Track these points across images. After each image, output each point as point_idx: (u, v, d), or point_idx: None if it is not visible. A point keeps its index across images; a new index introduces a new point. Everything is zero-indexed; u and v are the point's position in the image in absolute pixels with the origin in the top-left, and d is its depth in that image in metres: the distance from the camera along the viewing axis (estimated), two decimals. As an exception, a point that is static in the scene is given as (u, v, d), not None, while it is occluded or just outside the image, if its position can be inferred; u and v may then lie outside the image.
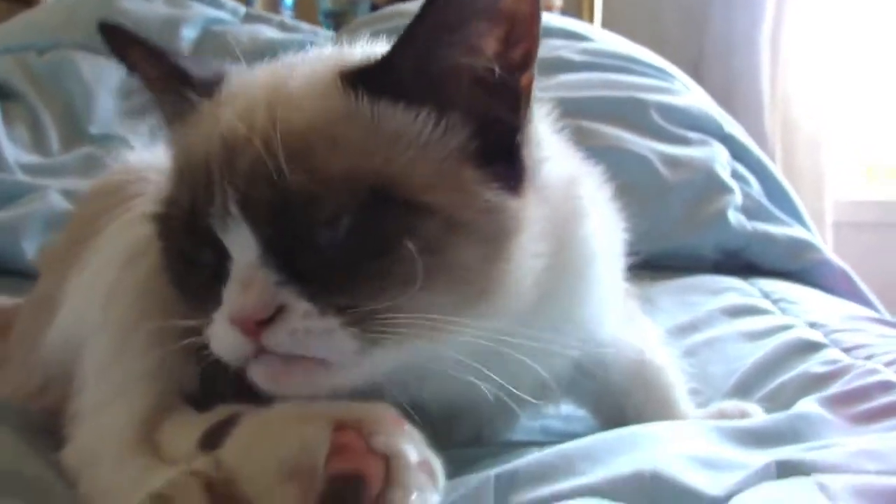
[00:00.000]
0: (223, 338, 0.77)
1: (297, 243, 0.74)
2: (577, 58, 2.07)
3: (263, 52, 2.05)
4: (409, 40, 0.78)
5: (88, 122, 2.10)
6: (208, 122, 0.80)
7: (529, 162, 0.82)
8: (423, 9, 0.76)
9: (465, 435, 0.94)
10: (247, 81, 0.84)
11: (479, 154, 0.79)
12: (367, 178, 0.75)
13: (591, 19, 3.12)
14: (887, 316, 1.63)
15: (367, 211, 0.74)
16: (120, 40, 0.86)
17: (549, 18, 2.40)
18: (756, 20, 3.47)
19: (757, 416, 1.06)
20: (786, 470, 0.78)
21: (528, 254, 0.80)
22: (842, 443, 0.87)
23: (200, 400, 0.88)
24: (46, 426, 0.95)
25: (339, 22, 3.14)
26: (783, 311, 1.56)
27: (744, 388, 1.21)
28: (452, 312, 0.77)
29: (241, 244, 0.75)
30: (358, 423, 0.73)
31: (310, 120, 0.76)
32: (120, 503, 0.78)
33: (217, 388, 0.87)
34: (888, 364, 1.17)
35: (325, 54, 0.89)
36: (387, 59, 0.79)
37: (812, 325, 1.42)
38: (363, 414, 0.74)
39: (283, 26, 2.41)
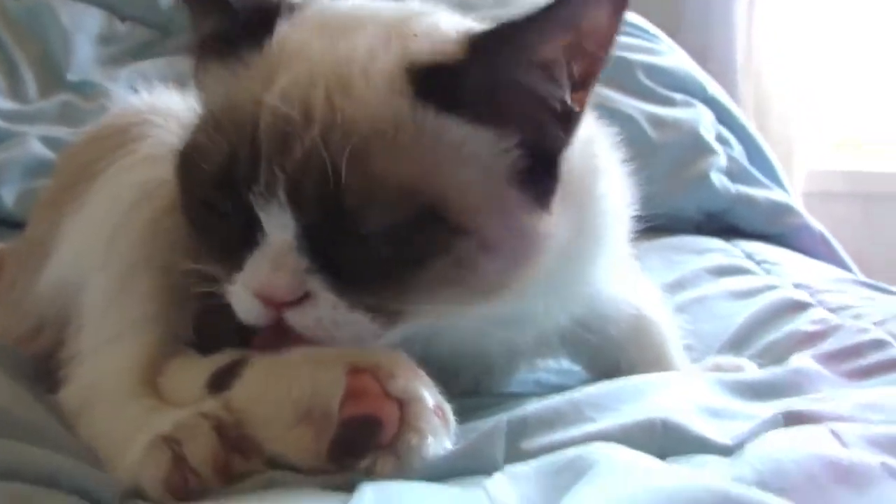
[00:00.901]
0: (243, 301, 0.76)
1: (335, 237, 0.73)
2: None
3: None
4: (485, 56, 0.75)
5: (66, 68, 2.04)
6: (256, 82, 0.77)
7: (563, 172, 0.81)
8: (506, 28, 0.75)
9: (465, 385, 0.94)
10: (302, 41, 0.79)
11: (524, 175, 0.77)
12: (423, 195, 0.73)
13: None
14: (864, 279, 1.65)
15: (412, 223, 0.73)
16: None
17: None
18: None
19: (751, 370, 1.06)
20: (793, 420, 0.79)
21: (550, 250, 0.80)
22: (843, 396, 0.88)
23: (197, 345, 0.88)
24: (39, 369, 0.94)
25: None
26: (767, 271, 1.57)
27: (735, 345, 1.23)
28: (470, 306, 0.80)
29: (279, 224, 0.73)
30: (374, 367, 0.73)
31: (373, 121, 0.73)
32: (122, 444, 0.77)
33: (216, 333, 0.86)
34: (877, 324, 1.19)
35: (390, 19, 0.82)
36: (458, 70, 0.75)
37: (797, 286, 1.44)
38: (378, 359, 0.74)
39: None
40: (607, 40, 0.75)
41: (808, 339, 1.18)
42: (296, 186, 0.72)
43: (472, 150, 0.76)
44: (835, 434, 0.73)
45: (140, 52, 2.13)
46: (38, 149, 1.77)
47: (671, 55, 2.16)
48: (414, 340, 0.81)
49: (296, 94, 0.74)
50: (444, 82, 0.75)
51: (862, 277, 1.67)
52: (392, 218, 0.73)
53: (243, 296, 0.76)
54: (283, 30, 0.80)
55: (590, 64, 0.76)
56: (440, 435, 0.73)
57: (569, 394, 0.85)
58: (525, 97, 0.77)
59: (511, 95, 0.76)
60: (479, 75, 0.75)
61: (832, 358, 1.05)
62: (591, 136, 0.89)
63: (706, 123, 1.98)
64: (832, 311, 1.30)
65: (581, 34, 0.74)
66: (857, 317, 1.26)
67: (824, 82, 3.58)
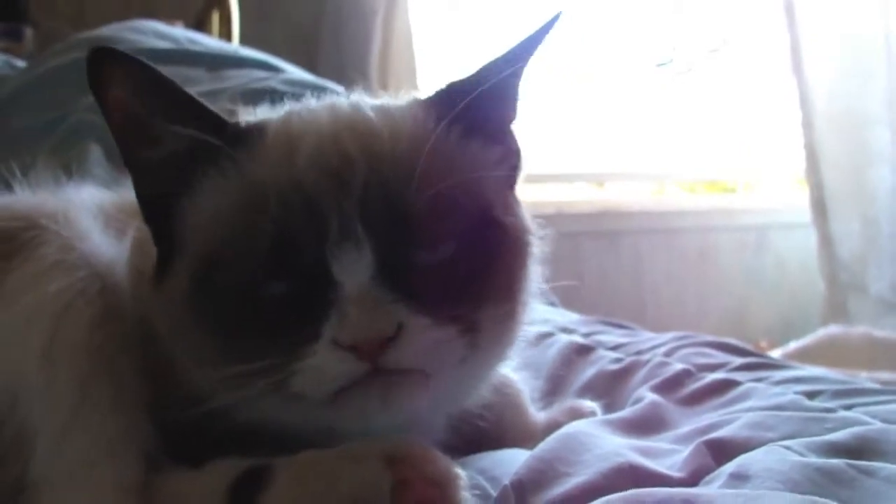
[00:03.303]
0: (329, 365, 0.75)
1: (407, 260, 0.77)
2: (284, 88, 2.10)
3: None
4: (475, 91, 0.85)
5: None
6: (277, 163, 0.80)
7: None
8: (491, 70, 0.86)
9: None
10: (302, 125, 0.83)
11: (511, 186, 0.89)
12: (476, 199, 0.82)
13: (228, 36, 3.09)
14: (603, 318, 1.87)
15: (473, 230, 0.80)
16: (118, 67, 0.80)
17: (239, 50, 2.41)
18: (366, 42, 3.66)
19: (598, 411, 1.20)
20: (715, 448, 0.93)
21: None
22: (722, 423, 1.04)
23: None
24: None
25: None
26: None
27: (554, 390, 1.36)
28: (515, 327, 0.88)
29: (354, 267, 0.75)
30: (407, 456, 0.76)
31: (414, 143, 0.80)
32: None
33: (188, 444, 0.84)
34: (666, 355, 1.39)
35: (364, 99, 0.91)
36: (467, 95, 0.84)
37: (565, 331, 1.61)
38: (408, 447, 0.78)
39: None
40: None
41: (617, 377, 1.35)
42: (368, 218, 0.76)
43: (485, 161, 0.86)
44: (787, 448, 0.87)
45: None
46: None
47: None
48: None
49: (329, 149, 0.79)
50: (453, 106, 0.84)
51: (594, 317, 1.88)
52: (458, 225, 0.80)
53: (331, 359, 0.75)
54: (275, 125, 0.84)
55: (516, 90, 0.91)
56: None
57: (520, 453, 0.94)
58: (508, 121, 0.91)
59: (500, 119, 0.90)
60: (475, 101, 0.85)
61: (661, 390, 1.22)
62: None
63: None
64: (613, 349, 1.49)
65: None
66: (639, 353, 1.45)
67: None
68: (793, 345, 3.08)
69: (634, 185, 4.41)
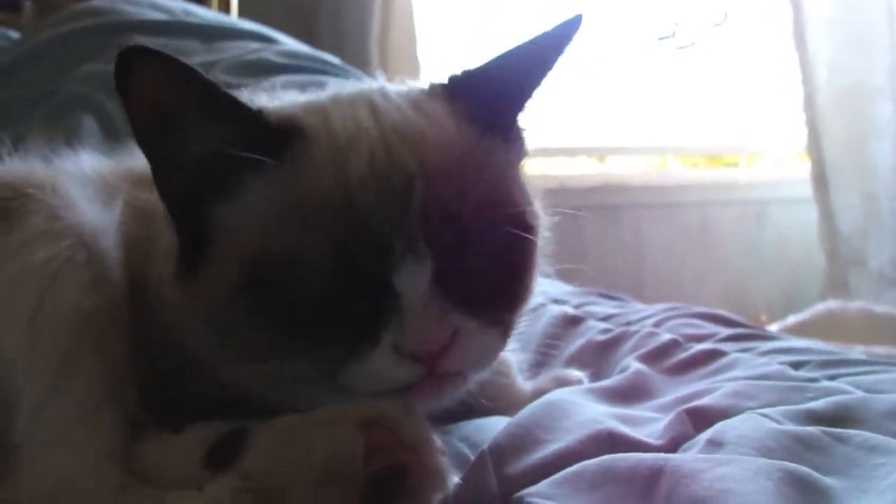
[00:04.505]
0: (387, 370, 0.77)
1: (459, 270, 0.78)
2: (279, 60, 2.10)
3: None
4: (501, 84, 0.87)
5: None
6: (326, 169, 0.79)
7: None
8: (509, 63, 0.88)
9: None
10: (345, 127, 0.82)
11: None
12: (509, 202, 0.83)
13: (227, 8, 3.09)
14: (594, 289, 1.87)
15: (508, 234, 0.82)
16: (147, 64, 0.77)
17: (235, 21, 2.40)
18: (366, 17, 3.65)
19: (585, 380, 1.20)
20: (695, 415, 0.94)
21: None
22: (703, 392, 1.04)
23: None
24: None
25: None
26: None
27: (542, 359, 1.36)
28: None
29: (414, 277, 0.76)
30: (381, 420, 0.77)
31: (458, 153, 0.82)
32: None
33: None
34: (655, 326, 1.40)
35: (384, 91, 0.90)
36: (490, 96, 0.86)
37: (557, 301, 1.61)
38: (382, 412, 0.78)
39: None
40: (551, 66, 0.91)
41: (605, 347, 1.36)
42: (428, 236, 0.77)
43: (512, 162, 0.89)
44: (764, 416, 0.88)
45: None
46: None
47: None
48: None
49: (383, 161, 0.79)
50: (481, 111, 0.86)
51: (583, 289, 1.89)
52: (498, 233, 0.81)
53: (389, 363, 0.77)
54: (314, 124, 0.83)
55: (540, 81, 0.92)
56: (450, 472, 0.78)
57: (502, 420, 0.94)
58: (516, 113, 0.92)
59: (512, 116, 0.91)
60: (494, 94, 0.87)
61: (648, 360, 1.23)
62: None
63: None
64: (603, 320, 1.50)
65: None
66: (628, 323, 1.46)
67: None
68: (791, 319, 3.08)
69: (636, 159, 4.40)
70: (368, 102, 0.86)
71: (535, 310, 1.52)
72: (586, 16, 0.89)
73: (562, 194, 3.98)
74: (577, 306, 1.59)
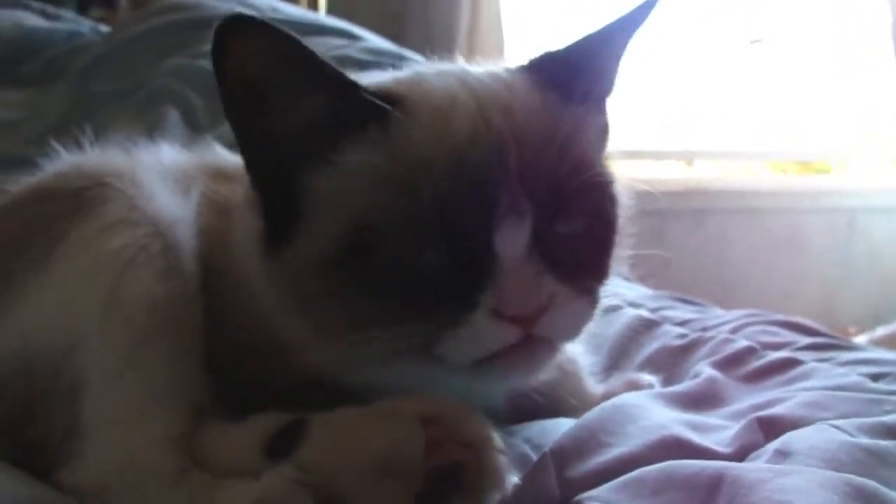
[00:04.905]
0: (486, 333, 0.77)
1: (553, 235, 0.79)
2: (362, 56, 2.12)
3: (31, 41, 1.91)
4: (584, 63, 0.88)
5: None
6: (430, 134, 0.80)
7: None
8: (591, 44, 0.89)
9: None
10: (444, 97, 0.83)
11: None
12: (603, 173, 0.84)
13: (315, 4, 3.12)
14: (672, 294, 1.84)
15: (599, 202, 0.84)
16: (250, 33, 0.78)
17: (321, 18, 2.43)
18: (455, 14, 3.65)
19: (657, 385, 1.18)
20: (766, 425, 0.91)
21: None
22: (776, 400, 1.02)
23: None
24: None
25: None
26: (595, 292, 1.71)
27: (615, 363, 1.34)
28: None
29: (514, 240, 0.77)
30: (441, 416, 0.76)
31: (544, 119, 0.83)
32: None
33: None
34: (732, 332, 1.36)
35: (467, 69, 0.92)
36: (571, 65, 0.88)
37: (633, 305, 1.59)
38: (442, 408, 0.78)
39: (45, 14, 2.23)
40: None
41: (680, 352, 1.33)
42: (530, 195, 0.78)
43: (599, 134, 0.91)
44: (837, 427, 0.85)
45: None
46: None
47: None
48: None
49: (481, 124, 0.80)
50: (563, 82, 0.87)
51: (665, 293, 1.86)
52: (590, 200, 0.83)
53: (488, 327, 0.77)
54: (413, 94, 0.83)
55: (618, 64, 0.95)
56: (509, 472, 0.78)
57: (569, 422, 0.93)
58: (606, 89, 0.94)
59: (604, 90, 0.93)
60: (584, 71, 0.88)
61: (723, 366, 1.20)
62: None
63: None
64: (680, 324, 1.47)
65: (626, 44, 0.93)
66: (705, 329, 1.43)
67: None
68: (879, 331, 2.99)
69: (723, 163, 4.32)
70: (455, 75, 0.88)
71: (610, 312, 1.52)
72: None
73: (647, 197, 3.91)
74: (653, 310, 1.56)
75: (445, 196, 0.77)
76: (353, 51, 2.14)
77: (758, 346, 1.26)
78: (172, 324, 0.85)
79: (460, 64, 0.94)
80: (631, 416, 0.93)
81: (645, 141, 4.00)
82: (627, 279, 1.96)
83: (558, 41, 0.90)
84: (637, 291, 1.77)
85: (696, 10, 4.01)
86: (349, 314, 0.80)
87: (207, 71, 0.83)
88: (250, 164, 0.84)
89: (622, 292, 1.70)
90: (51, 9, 2.29)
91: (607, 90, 0.94)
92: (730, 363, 1.21)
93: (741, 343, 1.27)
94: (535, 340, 0.78)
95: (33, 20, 2.16)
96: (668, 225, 3.87)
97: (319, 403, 0.81)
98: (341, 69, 0.81)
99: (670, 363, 1.29)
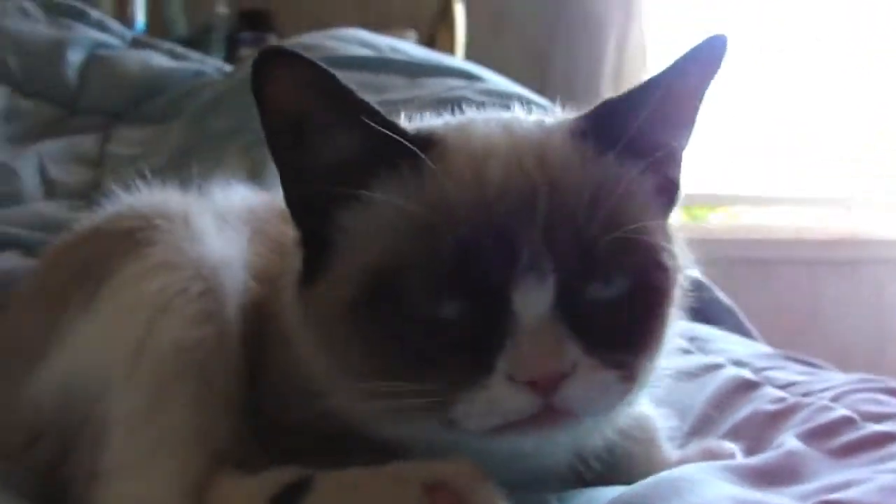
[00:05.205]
0: (503, 400, 0.74)
1: (582, 297, 0.75)
2: (477, 98, 2.10)
3: (157, 80, 1.98)
4: (630, 113, 0.83)
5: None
6: (460, 180, 0.78)
7: None
8: (642, 91, 0.84)
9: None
10: (483, 143, 0.82)
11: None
12: (648, 240, 0.79)
13: (451, 51, 3.15)
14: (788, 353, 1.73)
15: (641, 271, 0.78)
16: (287, 65, 0.78)
17: (442, 58, 2.44)
18: (597, 66, 3.63)
19: (738, 454, 1.10)
20: (830, 508, 0.83)
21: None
22: (855, 482, 0.92)
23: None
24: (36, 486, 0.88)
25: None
26: (701, 349, 1.63)
27: (703, 428, 1.26)
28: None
29: (536, 298, 0.74)
30: (449, 484, 0.73)
31: (587, 176, 0.79)
32: None
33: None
34: (833, 400, 1.25)
35: (519, 117, 0.92)
36: (616, 124, 0.83)
37: (737, 364, 1.50)
38: (450, 473, 0.75)
39: (172, 54, 2.33)
40: (701, 100, 0.88)
41: (772, 419, 1.24)
42: (553, 250, 0.74)
43: (647, 195, 0.84)
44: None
45: (45, 130, 2.05)
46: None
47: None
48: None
49: (515, 173, 0.78)
50: (607, 136, 0.82)
51: (783, 352, 1.75)
52: (629, 267, 0.77)
53: (505, 393, 0.74)
54: (453, 137, 0.83)
55: (691, 121, 0.88)
56: None
57: (608, 491, 0.87)
58: (662, 147, 0.86)
59: (654, 146, 0.85)
60: (628, 126, 0.82)
61: (811, 438, 1.10)
62: None
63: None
64: (781, 388, 1.37)
65: (685, 95, 0.86)
66: (807, 394, 1.32)
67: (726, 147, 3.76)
68: None
69: (882, 211, 4.09)
70: (501, 122, 0.87)
71: (707, 371, 1.44)
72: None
73: (796, 246, 3.79)
74: (757, 370, 1.46)
75: (467, 244, 0.75)
76: (469, 92, 2.12)
77: (857, 417, 1.16)
78: (198, 369, 0.85)
79: (516, 112, 0.93)
80: (681, 490, 0.86)
81: (792, 187, 3.84)
82: (748, 334, 1.86)
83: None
84: (749, 349, 1.67)
85: (848, 47, 3.86)
86: (364, 362, 0.79)
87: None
88: (289, 199, 0.84)
89: (730, 349, 1.62)
90: (179, 49, 2.38)
91: (669, 143, 0.87)
92: (819, 434, 1.11)
93: (838, 412, 1.17)
94: (555, 413, 0.74)
95: (161, 61, 2.24)
96: (819, 275, 3.69)
97: (358, 453, 0.79)
98: (379, 108, 0.80)
99: (758, 431, 1.20)
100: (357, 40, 2.29)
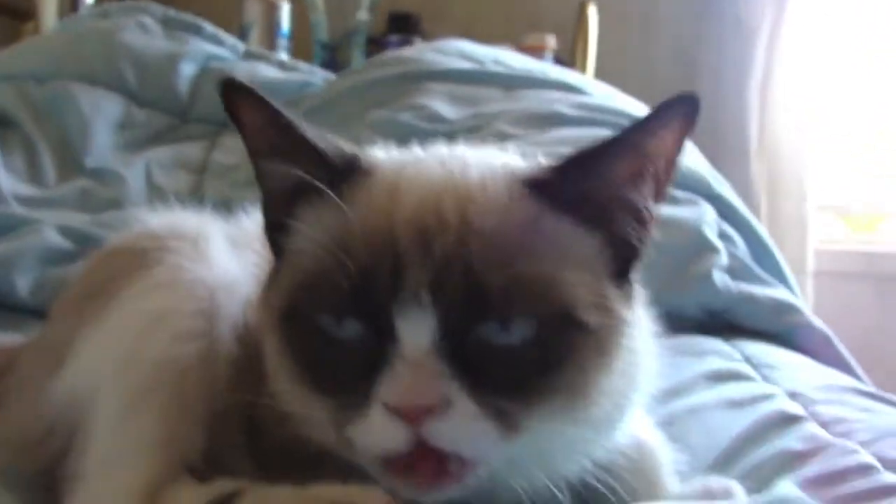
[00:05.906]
0: (379, 428, 0.76)
1: (470, 339, 0.77)
2: (572, 112, 2.10)
3: (264, 90, 2.07)
4: (582, 169, 0.84)
5: (84, 154, 2.11)
6: (378, 207, 0.82)
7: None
8: (600, 148, 0.83)
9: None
10: (412, 174, 0.86)
11: (615, 275, 0.85)
12: (558, 292, 0.78)
13: (584, 65, 3.15)
14: (866, 381, 1.65)
15: (546, 325, 0.78)
16: (242, 101, 0.85)
17: (548, 70, 2.44)
18: (747, 68, 3.53)
19: (739, 495, 1.07)
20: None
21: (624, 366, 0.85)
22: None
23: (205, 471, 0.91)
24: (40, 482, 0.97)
25: (333, 55, 3.20)
26: (764, 377, 1.58)
27: (725, 462, 1.23)
28: (572, 425, 0.83)
29: (417, 329, 0.76)
30: None
31: (503, 221, 0.80)
32: None
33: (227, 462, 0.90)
34: (864, 444, 1.20)
35: (479, 155, 0.92)
36: (560, 178, 0.84)
37: (792, 395, 1.44)
38: (357, 497, 0.78)
39: (282, 65, 2.44)
40: (673, 160, 0.84)
41: (796, 459, 1.19)
42: (439, 284, 0.76)
43: (583, 249, 0.83)
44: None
45: (156, 138, 2.19)
46: (54, 237, 1.82)
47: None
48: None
49: (428, 207, 0.80)
50: (550, 189, 0.82)
51: (863, 379, 1.67)
52: (529, 318, 0.77)
53: (379, 420, 0.76)
54: (384, 168, 0.87)
55: (660, 180, 0.85)
56: None
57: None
58: (615, 204, 0.84)
59: (605, 203, 0.84)
60: (580, 185, 0.83)
61: (816, 484, 1.06)
62: None
63: (709, 221, 1.98)
64: (824, 424, 1.31)
65: (649, 156, 0.83)
66: (846, 433, 1.27)
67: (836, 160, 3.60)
68: None
69: None
70: (446, 161, 0.88)
71: (753, 402, 1.40)
72: None
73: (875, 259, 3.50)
74: (809, 403, 1.40)
75: (365, 270, 0.78)
76: (563, 106, 2.12)
77: (878, 464, 1.11)
78: (175, 384, 0.91)
79: (464, 150, 0.93)
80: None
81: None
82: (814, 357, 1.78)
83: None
84: (819, 379, 1.60)
85: None
86: (284, 376, 0.84)
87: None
88: (263, 216, 0.91)
89: (794, 377, 1.56)
90: (288, 61, 2.49)
91: (631, 201, 0.85)
92: (825, 481, 1.07)
93: (859, 457, 1.13)
94: (432, 453, 0.75)
95: (269, 72, 2.35)
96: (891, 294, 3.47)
97: (330, 473, 0.84)
98: (315, 136, 0.86)
99: (775, 471, 1.17)
100: (458, 52, 2.32)
